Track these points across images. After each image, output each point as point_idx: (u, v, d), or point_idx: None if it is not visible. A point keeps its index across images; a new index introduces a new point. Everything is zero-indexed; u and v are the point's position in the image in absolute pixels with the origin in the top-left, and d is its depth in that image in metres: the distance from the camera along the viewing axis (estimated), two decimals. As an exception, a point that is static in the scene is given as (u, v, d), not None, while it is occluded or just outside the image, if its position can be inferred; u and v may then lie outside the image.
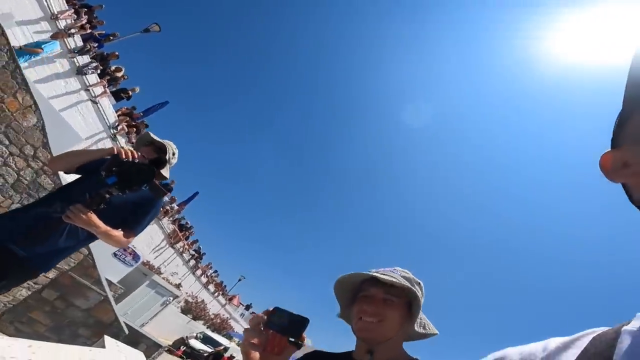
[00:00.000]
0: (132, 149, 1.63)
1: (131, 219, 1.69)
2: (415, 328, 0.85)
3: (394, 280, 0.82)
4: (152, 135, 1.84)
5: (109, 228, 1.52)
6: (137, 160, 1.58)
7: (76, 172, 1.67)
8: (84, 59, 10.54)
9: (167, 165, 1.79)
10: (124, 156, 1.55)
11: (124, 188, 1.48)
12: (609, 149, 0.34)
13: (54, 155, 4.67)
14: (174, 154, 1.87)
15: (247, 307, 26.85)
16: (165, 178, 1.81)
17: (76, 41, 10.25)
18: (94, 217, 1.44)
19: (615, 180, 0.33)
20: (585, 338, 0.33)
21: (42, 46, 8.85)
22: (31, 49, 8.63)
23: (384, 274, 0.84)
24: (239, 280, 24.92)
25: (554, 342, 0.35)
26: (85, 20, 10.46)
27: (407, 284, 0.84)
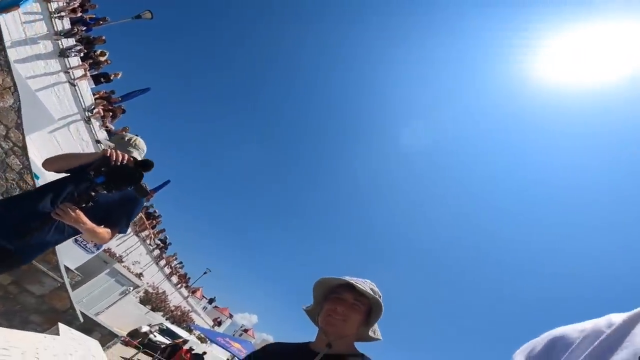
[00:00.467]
0: (121, 152, 1.67)
1: (115, 217, 1.73)
2: (369, 332, 1.03)
3: (366, 290, 0.99)
4: (133, 151, 1.83)
5: (95, 225, 1.57)
6: (125, 162, 1.63)
7: (66, 172, 1.72)
8: (68, 42, 10.36)
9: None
10: (114, 159, 1.59)
11: (111, 188, 1.54)
12: None
13: (28, 136, 4.62)
14: (143, 150, 1.91)
15: (211, 301, 26.51)
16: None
17: (64, 24, 10.12)
18: (82, 215, 1.48)
19: None
20: None
21: (19, 4, 8.50)
22: (7, 9, 8.24)
23: (357, 283, 0.99)
24: (205, 273, 24.57)
25: (618, 316, 0.35)
26: (78, 4, 10.29)
27: (375, 296, 1.00)
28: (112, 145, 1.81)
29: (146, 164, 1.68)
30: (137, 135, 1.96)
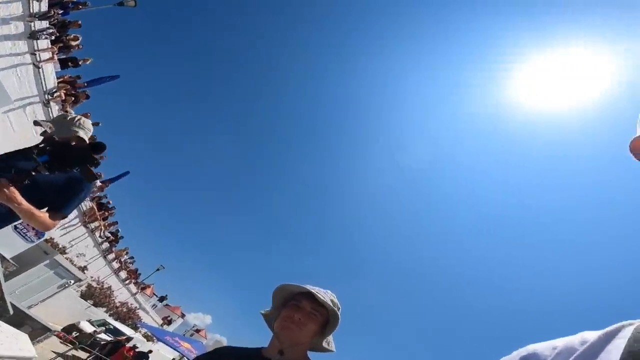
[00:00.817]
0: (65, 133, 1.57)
1: (59, 200, 1.59)
2: (323, 343, 1.03)
3: (326, 300, 0.99)
4: (79, 131, 1.66)
5: (32, 207, 1.43)
6: (72, 143, 1.54)
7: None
8: (42, 24, 10.12)
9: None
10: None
11: (54, 169, 1.43)
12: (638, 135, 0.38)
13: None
14: (89, 130, 1.75)
15: (162, 299, 25.57)
16: (98, 163, 1.73)
17: (42, 6, 9.89)
18: (16, 193, 1.36)
19: None
20: (626, 329, 0.32)
21: None
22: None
23: (318, 293, 1.00)
24: (157, 269, 23.72)
25: (591, 334, 0.34)
26: None
27: (334, 307, 1.01)
28: (50, 125, 1.70)
29: (97, 146, 1.60)
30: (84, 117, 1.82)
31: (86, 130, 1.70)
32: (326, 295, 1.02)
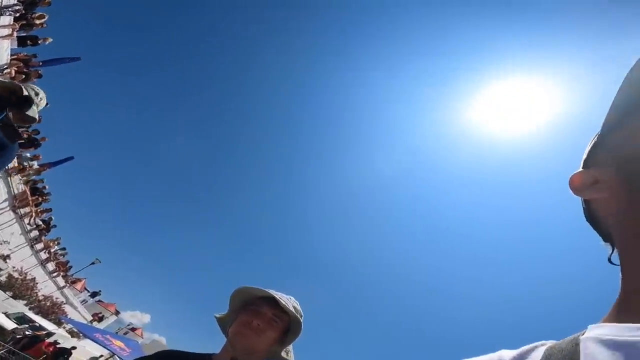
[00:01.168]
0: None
1: None
2: (282, 352, 0.94)
3: (289, 307, 0.92)
4: (29, 90, 1.50)
5: None
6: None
7: None
8: (10, 1, 9.94)
9: (33, 106, 1.47)
10: None
11: None
12: (580, 170, 0.39)
13: None
14: (37, 94, 1.52)
15: (94, 294, 23.95)
16: (33, 120, 1.51)
17: None
18: None
19: (583, 196, 0.38)
20: (539, 349, 0.33)
21: None
22: None
23: (281, 298, 0.93)
24: (93, 263, 22.30)
25: (507, 353, 0.35)
26: None
27: (297, 314, 0.94)
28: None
29: (25, 98, 1.40)
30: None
31: (37, 96, 1.50)
32: (289, 301, 0.97)
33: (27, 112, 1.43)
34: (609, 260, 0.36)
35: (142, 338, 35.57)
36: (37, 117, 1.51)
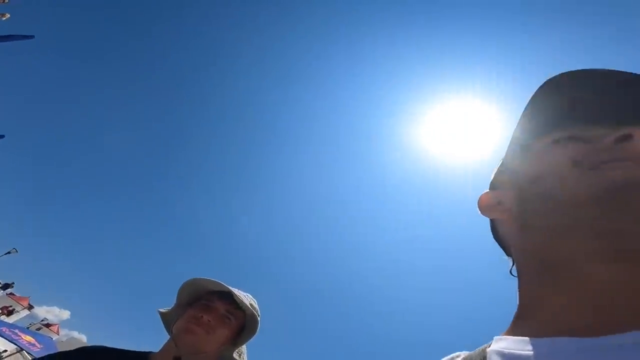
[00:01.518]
0: None
1: None
2: (234, 354, 0.85)
3: (246, 304, 0.84)
4: None
5: None
6: None
7: None
8: None
9: None
10: None
11: None
12: (487, 191, 0.42)
13: None
14: None
15: (6, 286, 22.18)
16: None
17: None
18: None
19: (488, 216, 0.41)
20: None
21: None
22: None
23: (239, 294, 0.85)
24: (9, 252, 20.86)
25: None
26: None
27: (254, 311, 0.87)
28: None
29: None
30: None
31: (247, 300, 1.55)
32: (246, 298, 0.88)
33: None
34: (510, 272, 0.39)
35: (58, 335, 33.05)
36: None
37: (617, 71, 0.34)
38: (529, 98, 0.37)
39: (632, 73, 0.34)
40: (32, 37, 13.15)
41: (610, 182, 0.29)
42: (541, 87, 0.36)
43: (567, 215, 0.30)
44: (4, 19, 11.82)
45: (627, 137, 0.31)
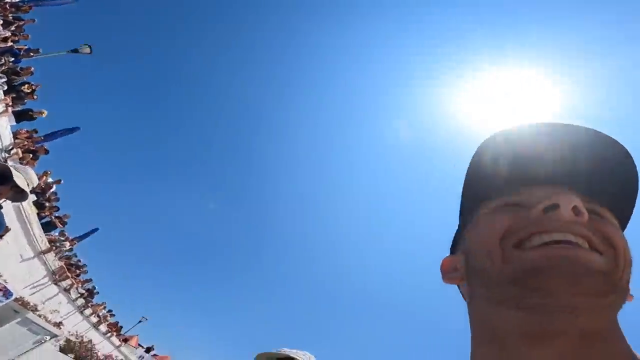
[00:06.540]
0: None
1: None
2: None
3: None
4: (19, 171, 1.66)
5: None
6: None
7: None
8: None
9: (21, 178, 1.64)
10: None
11: None
12: (449, 255, 0.41)
13: None
14: (24, 174, 1.70)
15: (148, 350, 26.27)
16: (23, 194, 1.67)
17: None
18: None
19: (445, 281, 0.40)
20: None
21: None
22: None
23: (297, 356, 1.03)
24: (140, 321, 24.85)
25: None
26: (10, 33, 10.21)
27: None
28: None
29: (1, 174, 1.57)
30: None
31: (24, 174, 1.64)
32: (305, 357, 1.02)
33: (19, 194, 1.65)
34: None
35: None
36: (27, 194, 1.71)
37: (552, 124, 0.35)
38: (470, 161, 0.38)
39: (568, 124, 0.34)
40: (77, 129, 14.76)
41: (529, 263, 0.30)
42: (479, 150, 0.37)
43: (497, 291, 0.32)
44: (42, 116, 11.61)
45: (554, 207, 0.32)
